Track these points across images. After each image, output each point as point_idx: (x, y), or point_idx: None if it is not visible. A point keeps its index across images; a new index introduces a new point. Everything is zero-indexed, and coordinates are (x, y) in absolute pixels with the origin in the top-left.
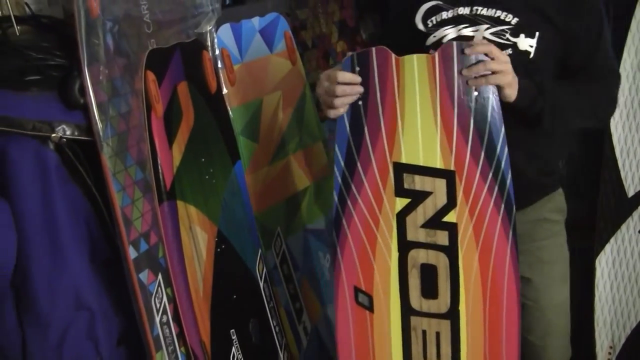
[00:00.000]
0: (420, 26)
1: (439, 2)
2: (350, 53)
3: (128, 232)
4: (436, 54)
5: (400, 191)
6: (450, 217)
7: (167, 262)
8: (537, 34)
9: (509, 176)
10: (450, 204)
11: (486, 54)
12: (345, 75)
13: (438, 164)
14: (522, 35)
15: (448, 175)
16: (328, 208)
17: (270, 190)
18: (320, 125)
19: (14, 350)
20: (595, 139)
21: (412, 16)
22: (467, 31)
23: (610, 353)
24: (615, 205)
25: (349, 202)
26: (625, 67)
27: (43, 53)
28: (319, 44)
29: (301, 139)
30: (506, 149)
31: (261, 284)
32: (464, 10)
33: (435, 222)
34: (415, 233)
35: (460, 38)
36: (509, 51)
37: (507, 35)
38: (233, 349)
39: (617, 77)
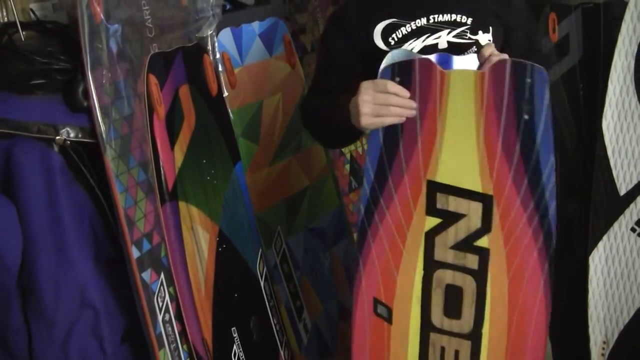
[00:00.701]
0: (382, 45)
1: (394, 19)
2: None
3: (131, 232)
4: (487, 71)
5: (432, 210)
6: (482, 242)
7: (169, 261)
8: (490, 28)
9: (553, 206)
10: (485, 229)
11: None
12: (395, 86)
13: (476, 187)
14: (480, 32)
15: (486, 200)
16: (327, 208)
17: (271, 191)
18: None
19: (20, 348)
20: (588, 139)
21: (368, 37)
22: (430, 40)
23: (604, 348)
24: (608, 203)
25: (376, 215)
26: (617, 69)
27: (48, 57)
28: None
29: (301, 140)
30: (553, 177)
31: (262, 283)
32: (422, 22)
33: (466, 245)
34: (444, 253)
35: (426, 48)
36: (474, 48)
37: (468, 35)
38: (234, 347)
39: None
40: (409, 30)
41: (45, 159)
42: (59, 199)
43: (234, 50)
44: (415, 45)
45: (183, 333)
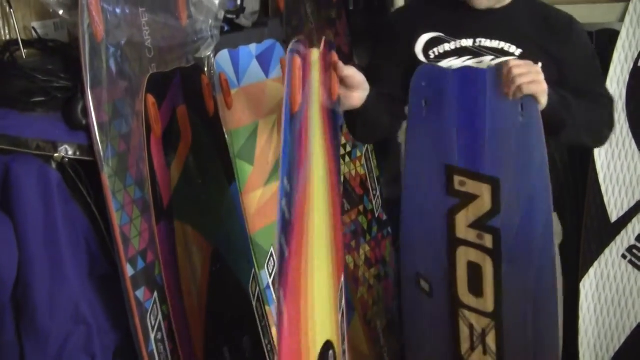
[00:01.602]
0: (421, 57)
1: (440, 34)
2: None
3: (126, 250)
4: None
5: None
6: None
7: (163, 279)
8: (539, 64)
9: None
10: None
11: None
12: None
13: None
14: None
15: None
16: None
17: (265, 211)
18: None
19: None
20: (580, 165)
21: (411, 46)
22: (471, 62)
23: None
24: (599, 230)
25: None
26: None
27: (48, 75)
28: None
29: None
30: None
31: (254, 303)
32: (467, 42)
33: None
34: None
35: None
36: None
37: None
38: None
39: (613, 102)
40: (452, 48)
41: (43, 175)
42: (56, 215)
43: (231, 72)
44: (454, 64)
45: (175, 352)
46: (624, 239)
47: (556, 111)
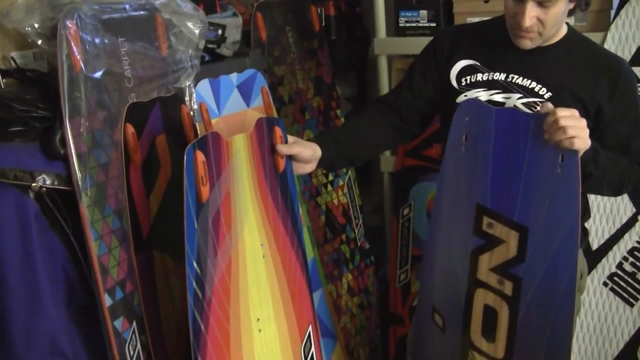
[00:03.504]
0: (454, 83)
1: (477, 63)
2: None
3: (104, 280)
4: (252, 131)
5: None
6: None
7: (142, 309)
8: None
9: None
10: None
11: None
12: None
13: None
14: None
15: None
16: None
17: None
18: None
19: None
20: None
21: (447, 68)
22: (499, 97)
23: None
24: None
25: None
26: None
27: (27, 105)
28: (295, 99)
29: None
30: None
31: None
32: (500, 76)
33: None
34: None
35: (490, 102)
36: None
37: (538, 108)
38: None
39: None
40: (484, 79)
41: (21, 205)
42: (33, 245)
43: (211, 101)
44: (481, 95)
45: None
46: (605, 267)
47: (586, 165)
